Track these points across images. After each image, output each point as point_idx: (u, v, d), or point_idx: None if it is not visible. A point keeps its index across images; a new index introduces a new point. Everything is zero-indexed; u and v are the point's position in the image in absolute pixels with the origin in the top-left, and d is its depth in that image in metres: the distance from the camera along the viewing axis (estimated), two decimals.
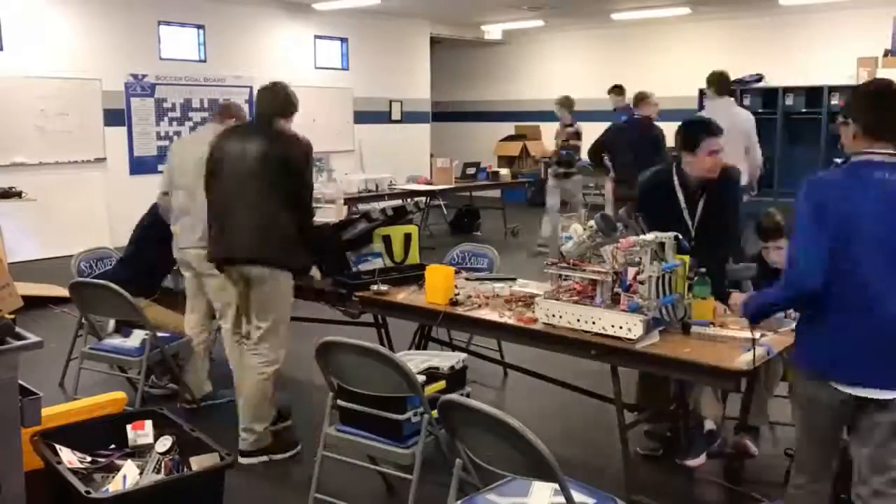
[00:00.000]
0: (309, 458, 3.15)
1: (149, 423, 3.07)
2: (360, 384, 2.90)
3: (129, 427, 3.05)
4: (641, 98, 7.51)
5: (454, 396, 2.40)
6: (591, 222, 3.04)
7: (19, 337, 2.40)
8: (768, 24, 11.91)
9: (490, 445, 2.32)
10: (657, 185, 3.66)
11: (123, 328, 4.42)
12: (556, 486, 2.38)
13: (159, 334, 4.13)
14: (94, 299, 4.16)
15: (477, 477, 2.65)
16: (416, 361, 3.14)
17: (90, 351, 4.24)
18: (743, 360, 2.75)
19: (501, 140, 14.52)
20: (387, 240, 4.17)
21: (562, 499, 2.35)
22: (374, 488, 3.40)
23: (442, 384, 3.04)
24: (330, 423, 3.06)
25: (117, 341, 4.28)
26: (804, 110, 11.70)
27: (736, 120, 5.98)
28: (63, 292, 5.05)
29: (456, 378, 3.13)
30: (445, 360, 3.19)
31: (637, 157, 6.62)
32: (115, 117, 9.49)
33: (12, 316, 2.47)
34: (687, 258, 3.17)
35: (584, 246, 3.03)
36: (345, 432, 3.04)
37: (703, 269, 3.26)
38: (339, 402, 3.01)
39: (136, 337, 4.23)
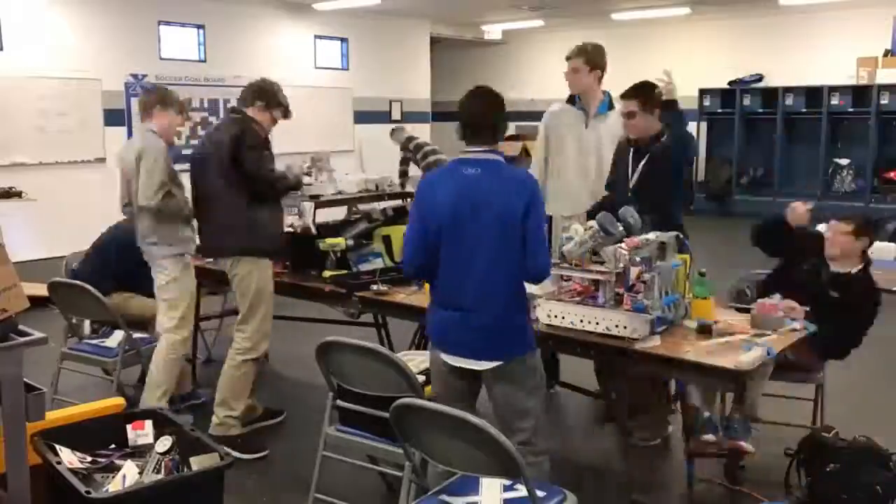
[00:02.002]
0: (309, 458, 3.14)
1: (149, 423, 3.07)
2: (359, 384, 2.89)
3: (129, 427, 3.05)
4: None
5: (410, 400, 2.37)
6: (592, 222, 3.04)
7: (23, 334, 2.41)
8: (768, 24, 11.91)
9: (450, 447, 2.30)
10: (621, 143, 3.96)
11: (102, 328, 4.43)
12: (504, 481, 2.41)
13: (136, 335, 4.11)
14: (71, 299, 4.14)
15: (425, 479, 2.63)
16: (416, 362, 3.13)
17: (69, 351, 4.21)
18: (743, 360, 2.75)
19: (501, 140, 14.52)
20: (387, 240, 4.17)
21: (511, 494, 2.37)
22: (374, 488, 3.39)
23: None
24: (330, 423, 3.05)
25: (96, 341, 4.26)
26: (804, 110, 11.70)
27: None
28: None
29: None
30: None
31: None
32: (115, 117, 9.48)
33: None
34: (688, 257, 3.18)
35: (585, 246, 3.03)
36: (345, 432, 3.03)
37: (703, 270, 3.26)
38: (339, 402, 3.00)
39: (115, 338, 4.20)
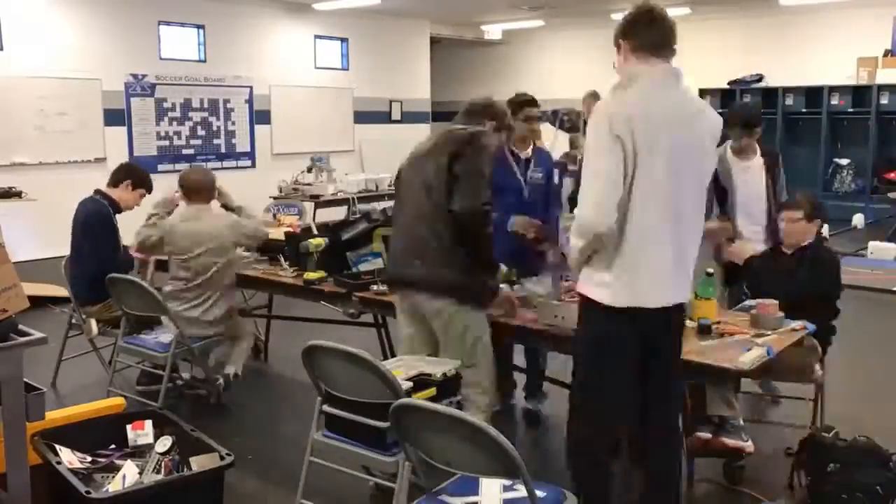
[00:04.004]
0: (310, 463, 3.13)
1: (149, 423, 3.07)
2: (344, 389, 2.83)
3: (129, 427, 3.05)
4: None
5: (410, 400, 2.36)
6: None
7: (23, 334, 2.41)
8: (768, 24, 11.91)
9: (449, 447, 2.30)
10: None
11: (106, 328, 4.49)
12: (504, 481, 2.41)
13: (188, 332, 4.16)
14: (127, 294, 4.19)
15: (424, 479, 2.59)
16: (407, 366, 3.09)
17: (124, 345, 4.27)
18: (743, 359, 2.75)
19: None
20: (387, 240, 4.17)
21: (510, 494, 2.36)
22: (366, 493, 3.37)
23: (432, 391, 2.92)
24: (317, 428, 2.99)
25: (150, 336, 4.30)
26: (804, 110, 11.70)
27: None
28: (62, 292, 5.05)
29: (447, 385, 2.99)
30: (438, 365, 3.06)
31: None
32: (115, 117, 9.49)
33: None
34: None
35: None
36: (331, 438, 2.96)
37: (710, 270, 3.26)
38: (326, 407, 2.93)
39: (169, 333, 4.23)
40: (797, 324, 3.15)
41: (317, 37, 11.68)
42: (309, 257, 4.01)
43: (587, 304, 2.60)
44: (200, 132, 10.36)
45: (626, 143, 2.42)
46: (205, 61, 10.34)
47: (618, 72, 2.62)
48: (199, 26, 10.25)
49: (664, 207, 2.49)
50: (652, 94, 2.52)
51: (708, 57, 12.53)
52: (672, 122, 2.50)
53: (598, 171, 2.46)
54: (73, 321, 4.64)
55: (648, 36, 2.57)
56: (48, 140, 8.86)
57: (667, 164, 2.47)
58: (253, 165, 10.89)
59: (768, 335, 3.01)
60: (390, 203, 4.41)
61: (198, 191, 4.26)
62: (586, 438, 2.72)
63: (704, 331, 3.02)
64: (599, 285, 2.54)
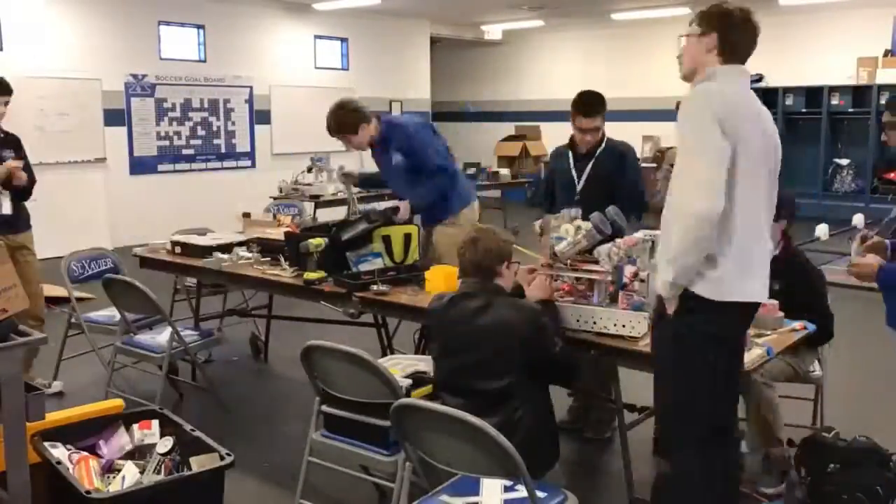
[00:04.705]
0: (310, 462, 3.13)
1: (156, 423, 3.07)
2: (343, 389, 2.83)
3: (135, 426, 3.05)
4: None
5: (410, 400, 2.36)
6: (580, 222, 3.04)
7: (23, 334, 2.41)
8: (768, 24, 11.69)
9: (450, 447, 2.30)
10: (559, 151, 4.19)
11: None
12: (504, 481, 2.41)
13: (183, 332, 4.15)
14: (123, 295, 4.19)
15: (424, 479, 2.59)
16: (403, 365, 3.09)
17: (121, 346, 4.26)
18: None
19: (501, 140, 14.53)
20: (387, 240, 4.17)
21: (511, 494, 2.37)
22: (365, 493, 3.37)
23: (429, 388, 2.94)
24: (316, 428, 3.00)
25: (147, 337, 4.29)
26: (804, 110, 11.70)
27: None
28: (62, 292, 5.06)
29: None
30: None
31: None
32: (115, 117, 9.50)
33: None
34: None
35: (578, 246, 3.02)
36: (331, 438, 2.97)
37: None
38: (325, 407, 2.94)
39: (166, 333, 4.22)
40: (797, 323, 3.15)
41: (317, 37, 11.69)
42: (309, 257, 4.00)
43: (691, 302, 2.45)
44: (200, 132, 10.37)
45: (726, 126, 2.41)
46: (205, 61, 10.34)
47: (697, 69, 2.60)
48: (199, 26, 10.26)
49: (762, 196, 2.55)
50: (732, 87, 2.54)
51: None
52: (754, 115, 2.56)
53: (704, 150, 2.40)
54: (73, 321, 4.65)
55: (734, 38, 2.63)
56: (48, 140, 8.86)
57: (755, 154, 2.52)
58: (253, 165, 10.90)
59: (768, 335, 3.00)
60: (390, 203, 4.41)
61: None
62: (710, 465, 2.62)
63: None
64: (707, 280, 2.43)
